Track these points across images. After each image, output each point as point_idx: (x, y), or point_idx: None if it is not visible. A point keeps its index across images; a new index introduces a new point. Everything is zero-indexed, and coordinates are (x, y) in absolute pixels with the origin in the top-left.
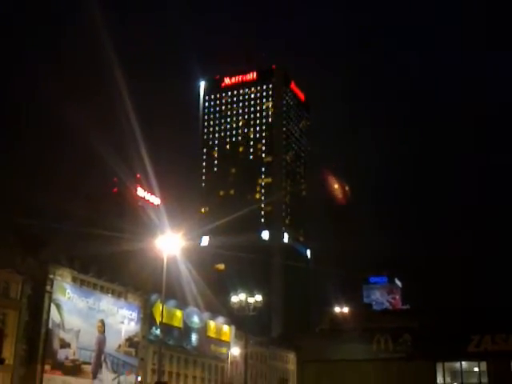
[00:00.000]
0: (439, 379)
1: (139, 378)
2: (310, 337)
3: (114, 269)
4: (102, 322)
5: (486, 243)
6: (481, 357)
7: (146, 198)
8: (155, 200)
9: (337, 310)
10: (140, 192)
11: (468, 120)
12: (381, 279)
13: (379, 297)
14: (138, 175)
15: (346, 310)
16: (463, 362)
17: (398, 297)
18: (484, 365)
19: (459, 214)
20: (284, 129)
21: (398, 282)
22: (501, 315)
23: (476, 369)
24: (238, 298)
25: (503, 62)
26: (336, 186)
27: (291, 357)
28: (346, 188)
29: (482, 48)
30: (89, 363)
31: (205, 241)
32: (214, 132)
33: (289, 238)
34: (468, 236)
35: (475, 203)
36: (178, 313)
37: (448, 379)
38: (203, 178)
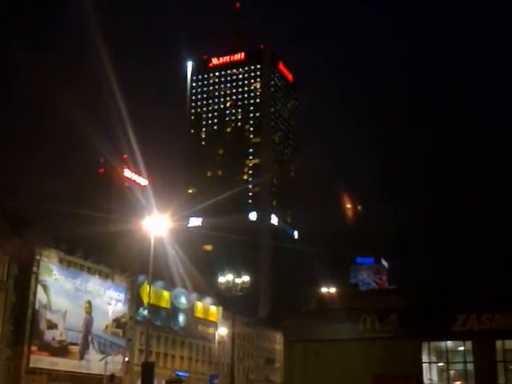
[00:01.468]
0: (424, 358)
1: (126, 359)
2: (297, 317)
3: (101, 250)
4: (89, 303)
5: (472, 221)
6: (466, 336)
7: (133, 178)
8: (142, 181)
9: (324, 290)
10: (127, 173)
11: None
12: (367, 260)
13: (366, 277)
14: (125, 156)
15: (332, 290)
16: (448, 342)
17: (384, 277)
18: (469, 344)
19: (447, 192)
20: (272, 109)
21: (385, 263)
22: (486, 294)
23: (461, 348)
24: (225, 278)
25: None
26: (348, 205)
27: (278, 337)
28: (359, 207)
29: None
30: (76, 344)
31: (192, 222)
32: (201, 113)
33: (277, 219)
34: (453, 215)
35: (463, 180)
36: (166, 294)
37: (433, 358)
38: (191, 159)
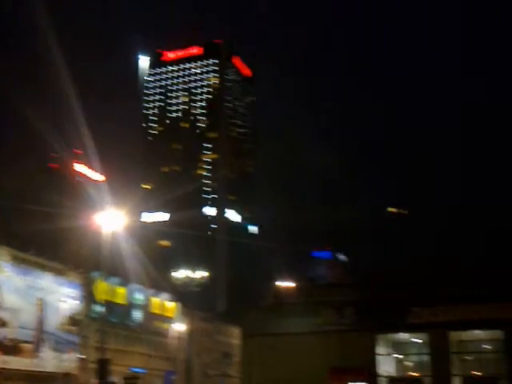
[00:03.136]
0: (380, 350)
1: (81, 356)
2: (254, 311)
3: (55, 246)
4: (42, 301)
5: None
6: (421, 328)
7: (87, 173)
8: (96, 176)
9: (281, 284)
10: (80, 168)
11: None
12: (325, 254)
13: (323, 271)
14: (78, 151)
15: (290, 284)
16: (403, 334)
17: (341, 271)
18: (424, 336)
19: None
20: (229, 104)
21: (342, 257)
22: (441, 287)
23: (416, 340)
24: (181, 274)
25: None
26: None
27: (235, 331)
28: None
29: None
30: (29, 342)
31: (148, 217)
32: (156, 107)
33: (234, 215)
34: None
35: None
36: (121, 290)
37: (389, 350)
38: (146, 154)
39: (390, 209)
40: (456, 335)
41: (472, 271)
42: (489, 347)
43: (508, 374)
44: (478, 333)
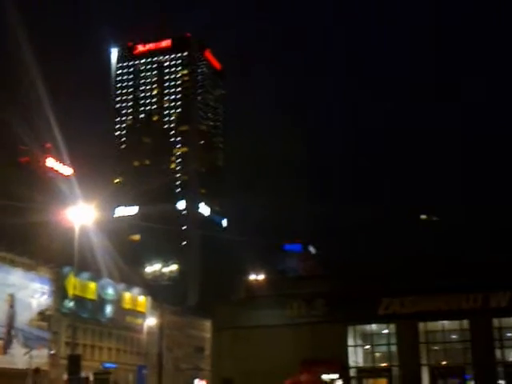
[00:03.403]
0: (350, 342)
1: (52, 352)
2: (226, 305)
3: (24, 241)
4: (12, 297)
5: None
6: (390, 319)
7: (57, 167)
8: (66, 170)
9: (252, 277)
10: (50, 162)
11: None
12: (295, 247)
13: (294, 264)
14: (48, 145)
15: (261, 277)
16: (373, 325)
17: (312, 263)
18: (393, 327)
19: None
20: (199, 98)
21: (312, 249)
22: (409, 279)
23: (385, 331)
24: (152, 268)
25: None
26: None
27: (207, 325)
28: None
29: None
30: None
31: (119, 211)
32: (127, 100)
33: (205, 208)
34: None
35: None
36: (92, 285)
37: (359, 341)
38: (116, 147)
39: (422, 216)
40: (424, 326)
41: (439, 263)
42: (456, 337)
43: (474, 363)
44: (445, 323)
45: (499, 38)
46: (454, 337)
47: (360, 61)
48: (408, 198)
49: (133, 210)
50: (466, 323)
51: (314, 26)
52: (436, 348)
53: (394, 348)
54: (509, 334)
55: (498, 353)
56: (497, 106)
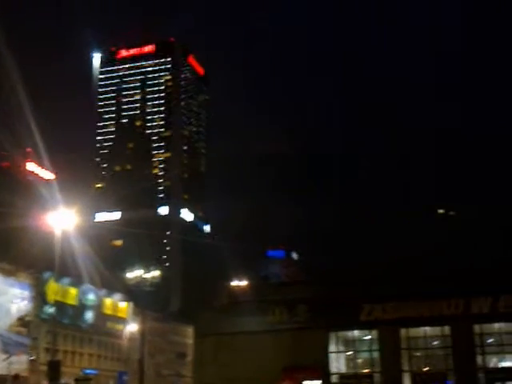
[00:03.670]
0: (332, 348)
1: (32, 358)
2: (208, 311)
3: (4, 246)
4: None
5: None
6: (372, 325)
7: (37, 172)
8: (47, 175)
9: (235, 283)
10: (30, 166)
11: None
12: (278, 253)
13: (276, 270)
14: (29, 149)
15: (243, 283)
16: (355, 331)
17: (294, 269)
18: (375, 333)
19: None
20: (182, 103)
21: (295, 256)
22: (391, 285)
23: (367, 337)
24: (134, 273)
25: None
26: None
27: (189, 331)
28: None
29: None
30: None
31: (101, 216)
32: (109, 105)
33: (188, 214)
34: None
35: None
36: (73, 290)
37: (341, 348)
38: (99, 152)
39: (439, 211)
40: (406, 332)
41: (421, 269)
42: (437, 343)
43: (456, 369)
44: (427, 329)
45: (499, 37)
46: (435, 343)
47: (360, 61)
48: (408, 198)
49: (115, 215)
50: (447, 329)
51: (314, 26)
52: (418, 354)
53: (375, 354)
54: (490, 340)
55: (479, 359)
56: (497, 106)
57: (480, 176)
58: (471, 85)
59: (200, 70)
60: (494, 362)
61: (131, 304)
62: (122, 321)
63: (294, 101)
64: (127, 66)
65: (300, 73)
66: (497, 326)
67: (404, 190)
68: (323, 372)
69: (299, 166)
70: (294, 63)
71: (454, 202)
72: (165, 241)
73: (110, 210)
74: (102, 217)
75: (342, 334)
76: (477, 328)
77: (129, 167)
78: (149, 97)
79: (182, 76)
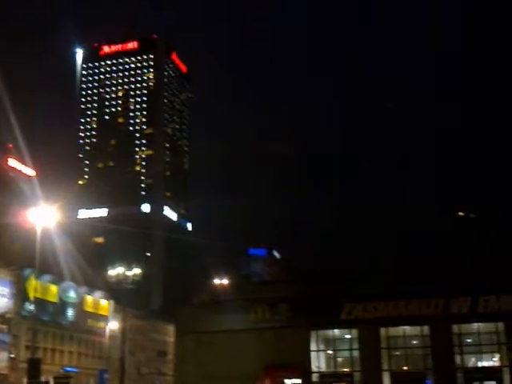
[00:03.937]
0: (313, 346)
1: (12, 355)
2: (189, 309)
3: None
4: None
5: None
6: (352, 324)
7: (19, 168)
8: (28, 171)
9: (217, 281)
10: (12, 162)
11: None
12: (260, 251)
13: (258, 268)
14: (10, 145)
15: (225, 281)
16: (336, 330)
17: (276, 268)
18: (355, 332)
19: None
20: (165, 100)
21: (277, 254)
22: (371, 284)
23: (347, 336)
24: (115, 271)
25: None
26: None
27: (171, 329)
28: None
29: None
30: None
31: (82, 213)
32: (92, 102)
33: (170, 211)
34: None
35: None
36: (53, 288)
37: (321, 346)
38: (81, 149)
39: (459, 213)
40: (385, 331)
41: (401, 269)
42: (416, 343)
43: (435, 369)
44: (406, 328)
45: (499, 37)
46: (414, 342)
47: (360, 61)
48: (408, 199)
49: (98, 212)
50: (426, 329)
51: (314, 26)
52: (397, 353)
53: (356, 353)
54: (468, 340)
55: (457, 358)
56: (497, 106)
57: (480, 176)
58: (471, 85)
59: (183, 68)
60: (472, 361)
61: (112, 302)
62: (103, 318)
63: (293, 101)
64: (110, 62)
65: (300, 73)
66: (475, 326)
67: (404, 190)
68: (304, 370)
69: (299, 166)
70: (293, 63)
71: (454, 202)
72: (147, 238)
73: (91, 207)
74: (84, 213)
75: (322, 332)
76: (455, 328)
77: (111, 164)
78: (131, 94)
79: (165, 73)
